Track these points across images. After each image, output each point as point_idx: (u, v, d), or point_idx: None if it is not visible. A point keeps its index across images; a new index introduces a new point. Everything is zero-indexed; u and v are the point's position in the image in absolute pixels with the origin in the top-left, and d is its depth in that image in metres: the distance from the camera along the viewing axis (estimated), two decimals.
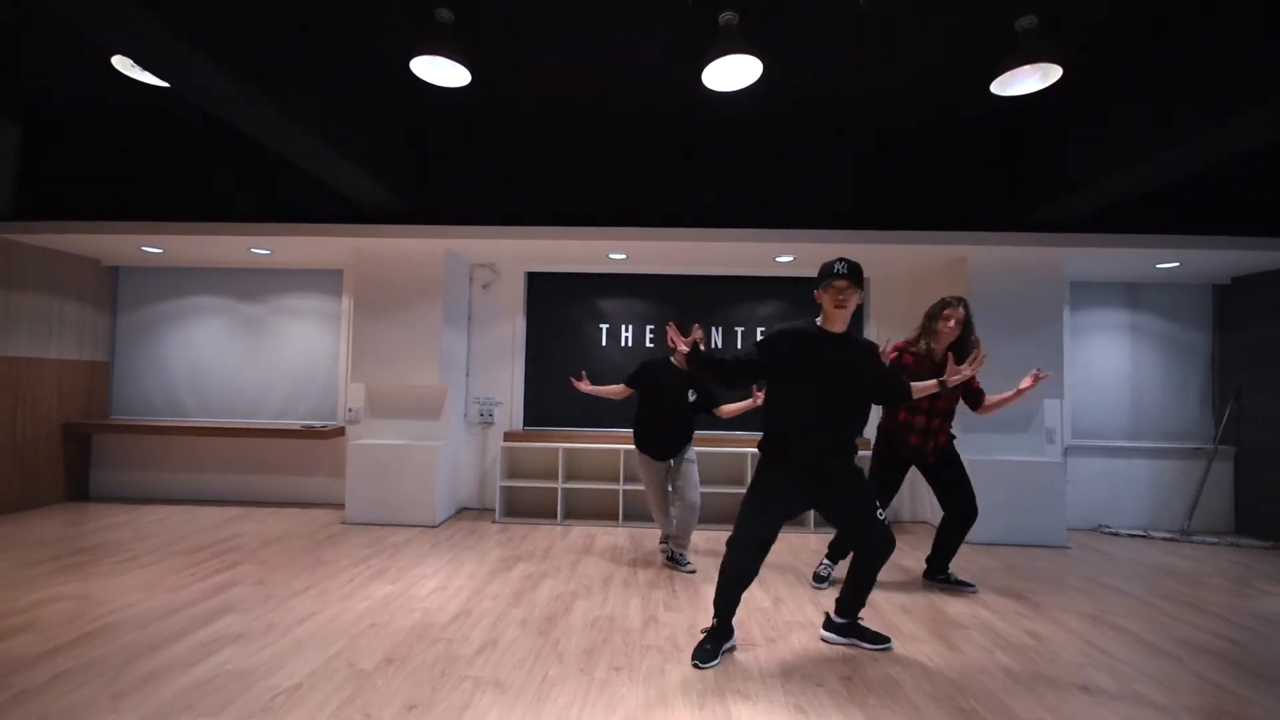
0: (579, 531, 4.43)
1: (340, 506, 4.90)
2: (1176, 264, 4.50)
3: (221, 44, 2.52)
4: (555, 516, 4.68)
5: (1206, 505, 4.88)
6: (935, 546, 3.34)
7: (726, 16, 3.00)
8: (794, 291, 5.10)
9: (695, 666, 2.28)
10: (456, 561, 3.60)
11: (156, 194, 4.36)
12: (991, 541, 4.27)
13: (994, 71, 2.99)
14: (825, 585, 3.26)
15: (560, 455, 4.70)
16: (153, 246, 4.66)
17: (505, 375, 5.15)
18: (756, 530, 2.32)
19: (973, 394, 3.19)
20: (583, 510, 4.92)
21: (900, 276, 5.09)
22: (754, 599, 3.04)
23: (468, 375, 5.13)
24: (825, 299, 2.29)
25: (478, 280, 5.17)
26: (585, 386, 3.51)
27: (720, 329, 5.14)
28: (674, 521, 3.53)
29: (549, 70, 3.59)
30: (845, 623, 2.54)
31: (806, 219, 4.20)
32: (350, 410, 5.07)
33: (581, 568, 3.55)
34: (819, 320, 2.35)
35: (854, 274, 2.25)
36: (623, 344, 5.16)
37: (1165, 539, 4.59)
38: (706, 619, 2.81)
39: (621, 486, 4.64)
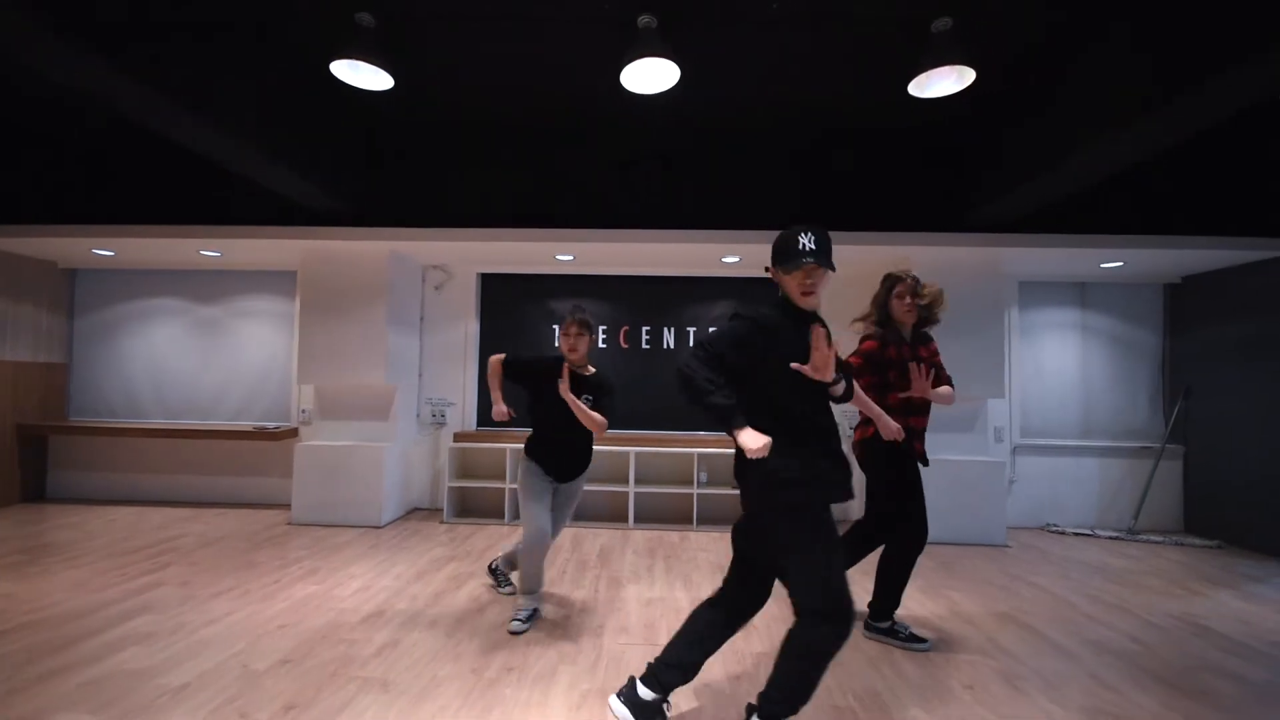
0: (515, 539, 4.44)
1: (289, 508, 4.92)
2: (1120, 264, 4.51)
3: (147, 64, 2.54)
4: (503, 517, 4.70)
5: (1156, 504, 4.89)
6: (877, 585, 2.66)
7: (645, 20, 3.01)
8: (743, 291, 5.12)
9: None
10: (390, 562, 3.62)
11: (106, 197, 4.38)
12: (932, 541, 4.29)
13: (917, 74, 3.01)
14: None
15: (508, 455, 4.72)
16: (103, 249, 4.68)
17: (458, 376, 5.17)
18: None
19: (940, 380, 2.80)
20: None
21: (848, 278, 5.09)
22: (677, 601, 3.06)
23: (420, 376, 5.15)
24: (789, 283, 1.83)
25: (430, 282, 5.19)
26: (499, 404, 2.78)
27: (672, 329, 5.16)
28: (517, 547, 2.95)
29: (478, 74, 3.60)
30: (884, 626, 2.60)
31: (749, 220, 4.21)
32: (303, 411, 5.10)
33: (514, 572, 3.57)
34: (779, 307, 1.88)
35: (822, 250, 1.79)
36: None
37: (1111, 538, 4.61)
38: (620, 621, 2.84)
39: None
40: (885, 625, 2.63)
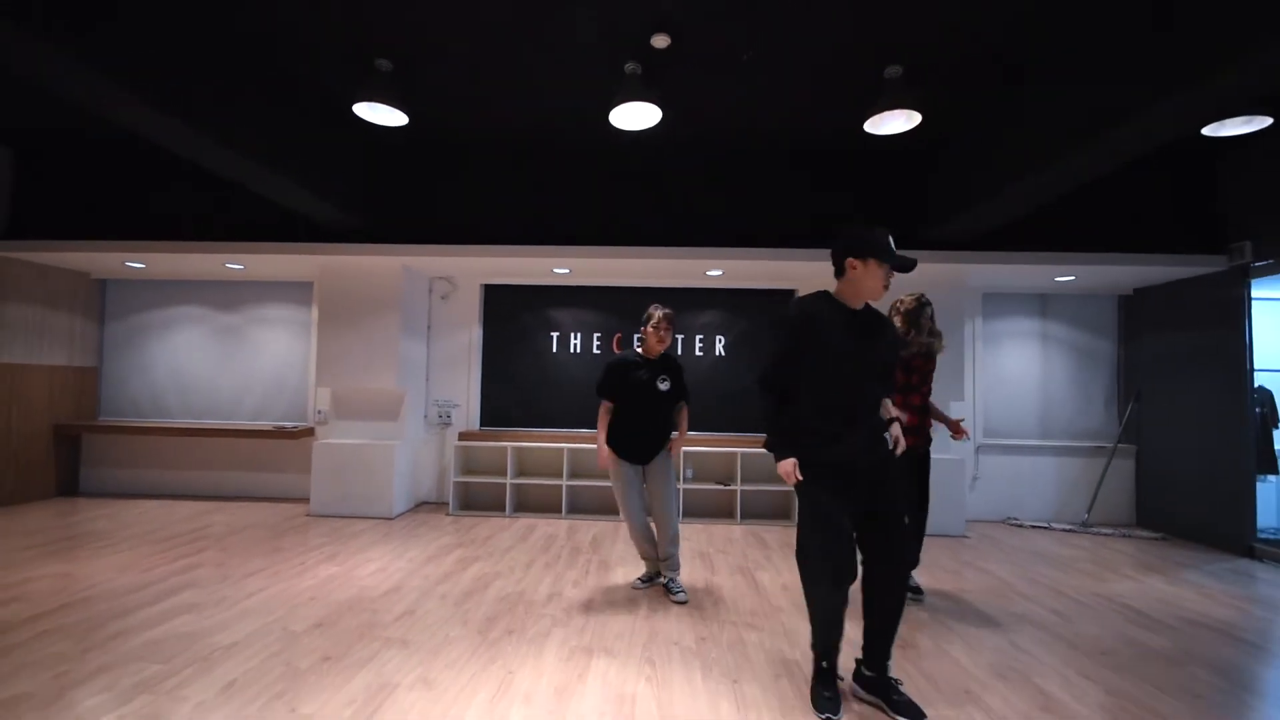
0: (523, 523, 4.84)
1: (307, 501, 5.31)
2: (1072, 277, 4.90)
3: (178, 100, 2.94)
4: (505, 509, 5.09)
5: (1110, 500, 5.28)
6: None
7: (630, 67, 3.41)
8: (727, 301, 5.51)
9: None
10: (402, 549, 4.01)
11: (139, 214, 4.78)
12: None
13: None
14: None
15: (509, 453, 5.12)
16: (136, 262, 5.08)
17: (463, 379, 5.56)
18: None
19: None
20: (530, 504, 5.33)
21: (825, 286, 5.49)
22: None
23: (427, 380, 5.55)
24: (875, 274, 2.04)
25: (437, 292, 5.59)
26: (602, 448, 3.21)
27: None
28: (652, 542, 3.25)
29: (483, 107, 4.01)
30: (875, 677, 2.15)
31: (728, 238, 4.61)
32: (319, 412, 5.49)
33: (514, 554, 3.96)
34: (834, 292, 2.13)
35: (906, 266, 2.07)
36: (572, 350, 5.58)
37: (1065, 530, 4.99)
38: (609, 597, 3.23)
39: (565, 482, 5.05)
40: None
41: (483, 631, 2.69)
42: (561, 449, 5.18)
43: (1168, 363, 5.03)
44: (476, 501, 5.37)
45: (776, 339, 2.15)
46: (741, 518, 5.02)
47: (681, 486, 5.03)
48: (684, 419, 3.34)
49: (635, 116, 3.43)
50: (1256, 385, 4.80)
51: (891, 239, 2.06)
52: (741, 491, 5.01)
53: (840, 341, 2.04)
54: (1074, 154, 3.12)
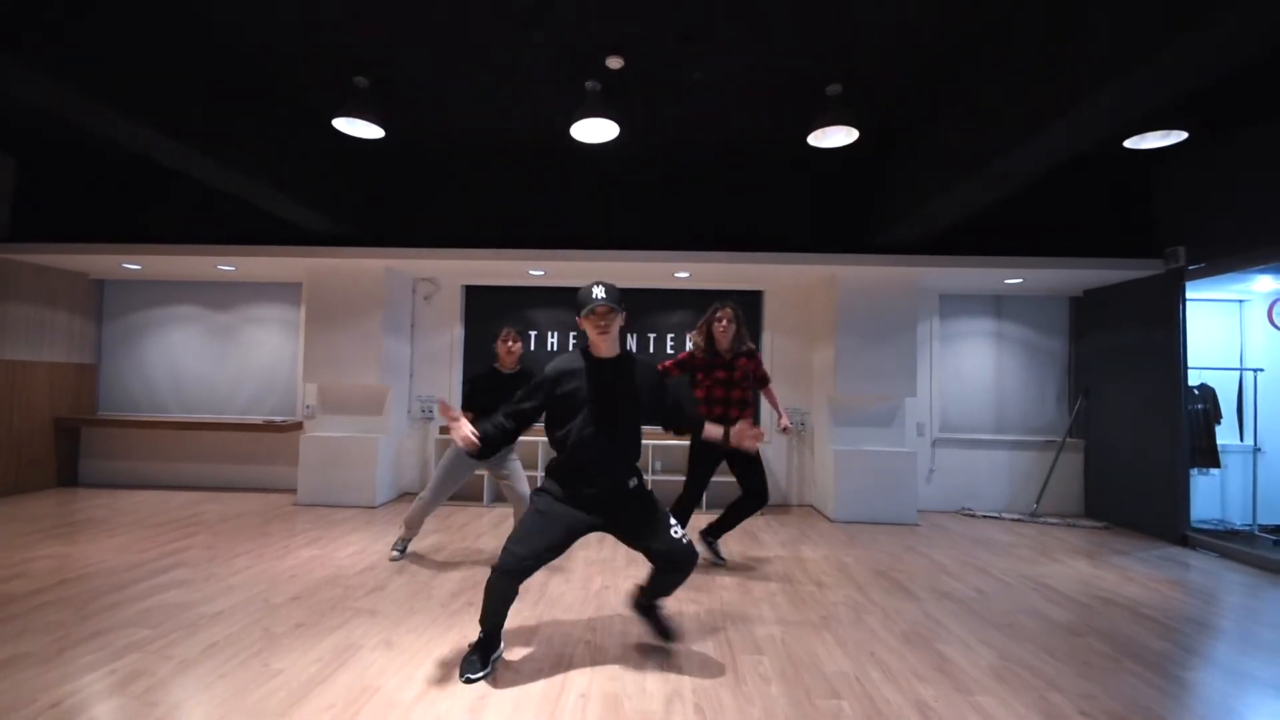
0: (499, 512, 5.11)
1: (295, 491, 5.57)
2: (1020, 280, 5.17)
3: (170, 118, 3.20)
4: (483, 499, 5.36)
5: (1060, 491, 5.55)
6: (722, 515, 3.72)
7: (590, 85, 3.67)
8: (695, 302, 5.77)
9: (468, 681, 2.22)
10: (382, 534, 4.28)
11: (135, 219, 5.04)
12: (852, 520, 4.94)
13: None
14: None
15: None
16: (132, 263, 5.34)
17: (444, 376, 5.83)
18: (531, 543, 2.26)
19: (759, 379, 3.75)
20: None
21: (789, 290, 5.77)
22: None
23: (411, 376, 5.81)
24: (587, 326, 2.28)
25: (420, 293, 5.85)
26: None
27: (634, 335, 5.82)
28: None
29: (459, 119, 4.27)
30: (646, 605, 2.61)
31: (692, 242, 4.87)
32: (307, 407, 5.76)
33: (485, 539, 4.23)
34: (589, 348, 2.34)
35: (612, 297, 2.23)
36: (549, 349, 5.84)
37: (1014, 519, 5.26)
38: (565, 576, 3.49)
39: (539, 474, 5.31)
40: (711, 541, 3.75)
41: (445, 604, 2.96)
42: (537, 443, 5.44)
43: (1113, 361, 5.29)
44: (456, 492, 5.61)
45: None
46: (708, 508, 5.28)
47: (650, 478, 5.30)
48: None
49: (595, 130, 3.69)
50: (1199, 382, 5.07)
51: (594, 289, 2.25)
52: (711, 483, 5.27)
53: (586, 389, 2.27)
54: (996, 164, 3.36)
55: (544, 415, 2.37)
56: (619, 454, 2.35)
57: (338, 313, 5.22)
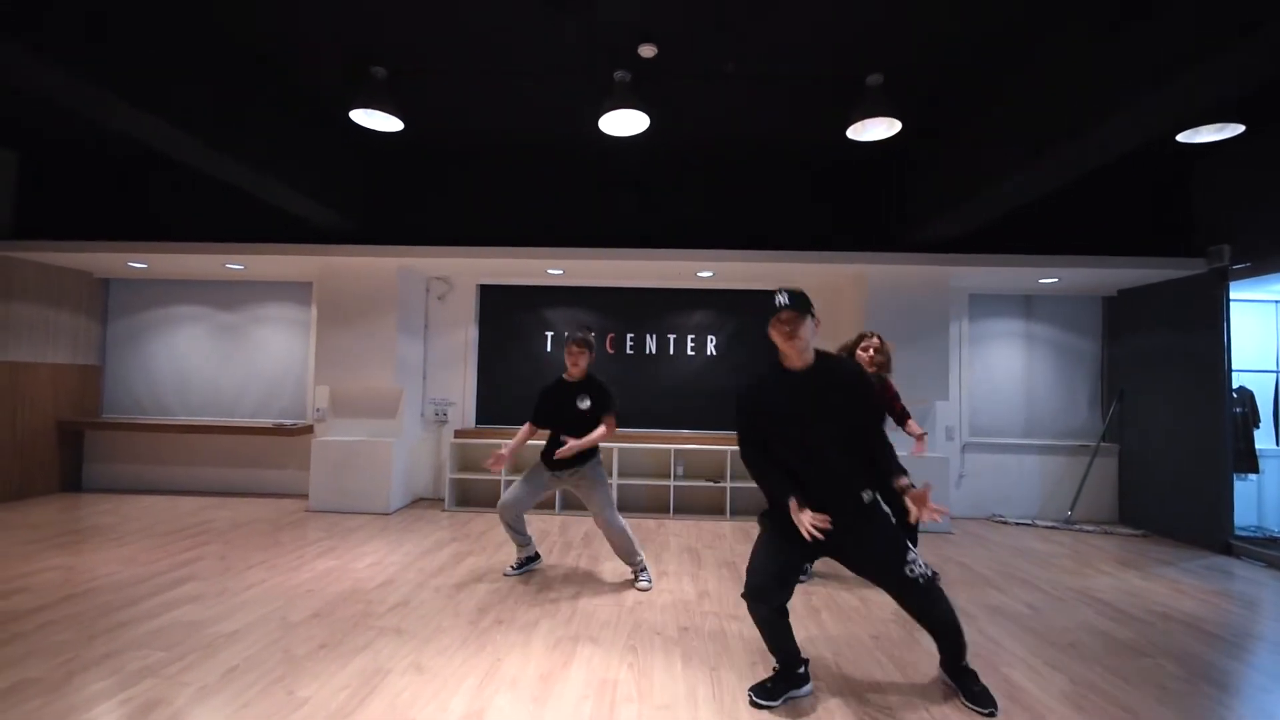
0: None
1: (306, 496, 5.42)
2: (1055, 279, 5.00)
3: (180, 110, 3.04)
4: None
5: (1094, 497, 5.38)
6: None
7: (620, 75, 3.51)
8: (718, 302, 5.61)
9: (753, 704, 2.13)
10: (398, 543, 4.12)
11: (141, 216, 4.88)
12: None
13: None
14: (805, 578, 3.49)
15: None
16: (138, 262, 5.18)
17: (459, 378, 5.66)
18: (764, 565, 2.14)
19: (898, 414, 3.52)
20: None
21: (816, 290, 5.59)
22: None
23: (424, 378, 5.65)
24: (775, 336, 2.10)
25: (434, 292, 5.69)
26: (502, 457, 3.38)
27: (654, 335, 5.65)
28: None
29: (477, 113, 4.11)
30: (951, 669, 2.31)
31: (716, 240, 4.71)
32: (318, 410, 5.59)
33: (506, 549, 4.06)
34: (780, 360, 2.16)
35: (797, 302, 2.06)
36: None
37: (1048, 527, 5.10)
38: (595, 589, 3.33)
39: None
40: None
41: (473, 621, 2.80)
42: None
43: (1149, 363, 5.13)
44: (472, 497, 5.47)
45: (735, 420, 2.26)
46: (731, 514, 5.12)
47: (673, 484, 5.14)
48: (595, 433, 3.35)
49: (625, 123, 3.53)
50: (1237, 385, 4.90)
51: (777, 296, 2.08)
52: (731, 489, 5.12)
53: (780, 404, 2.12)
54: (1046, 158, 3.20)
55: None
56: (832, 471, 2.11)
57: (350, 313, 5.06)
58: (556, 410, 3.42)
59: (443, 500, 5.44)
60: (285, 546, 3.95)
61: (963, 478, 5.43)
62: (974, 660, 2.54)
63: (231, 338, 5.85)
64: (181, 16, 3.04)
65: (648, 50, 3.29)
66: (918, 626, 2.87)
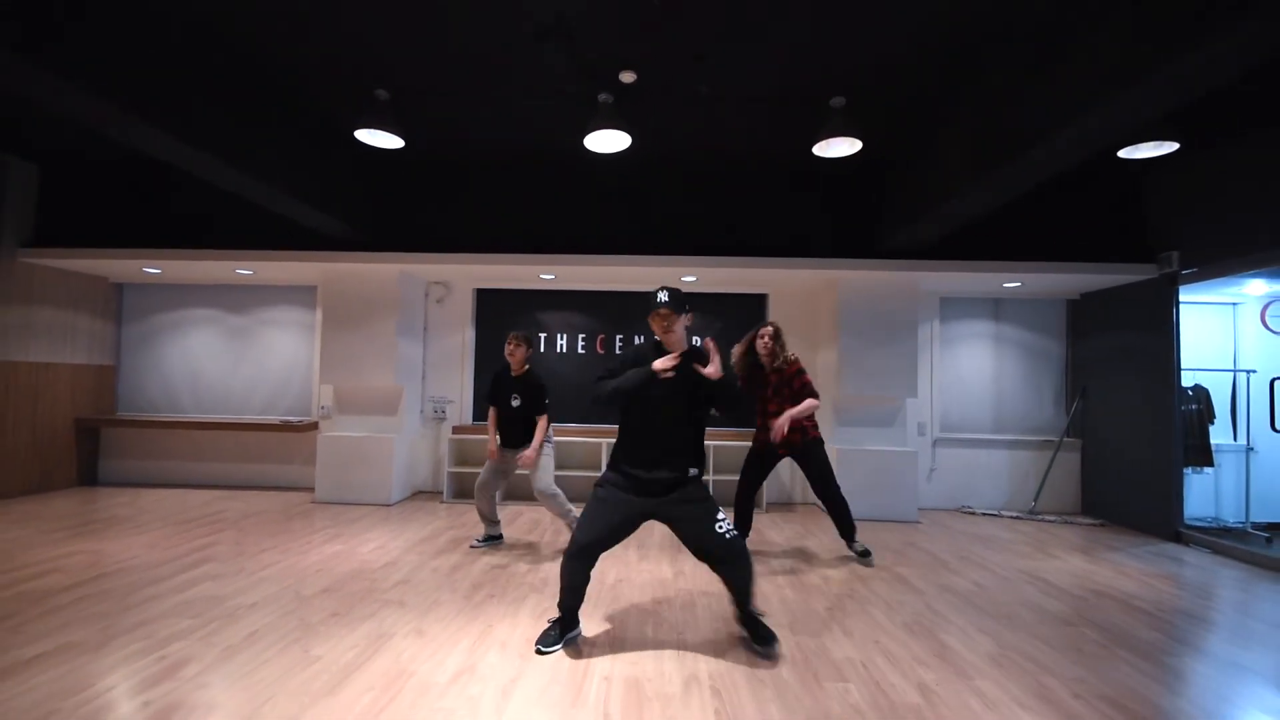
0: (512, 509, 5.25)
1: (312, 490, 5.71)
2: (1019, 284, 5.30)
3: (196, 128, 3.34)
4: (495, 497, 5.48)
5: (1057, 489, 5.69)
6: (836, 523, 3.97)
7: (603, 97, 3.81)
8: (704, 306, 5.91)
9: (539, 653, 2.46)
10: (399, 530, 4.42)
11: (154, 223, 5.18)
12: (855, 518, 5.05)
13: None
14: None
15: None
16: (152, 267, 5.48)
17: (456, 377, 5.96)
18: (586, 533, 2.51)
19: (795, 395, 3.81)
20: (518, 492, 5.73)
21: (793, 293, 5.91)
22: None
23: (424, 378, 5.95)
24: (654, 326, 2.51)
25: (433, 296, 5.99)
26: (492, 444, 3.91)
27: (641, 337, 5.95)
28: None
29: (474, 129, 4.41)
30: (742, 614, 2.62)
31: (699, 248, 5.01)
32: (323, 407, 5.89)
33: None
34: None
35: (674, 301, 2.45)
36: (559, 351, 5.98)
37: (1013, 517, 5.40)
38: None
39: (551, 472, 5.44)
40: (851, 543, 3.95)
41: (468, 596, 3.10)
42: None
43: (1109, 363, 5.43)
44: (469, 490, 5.75)
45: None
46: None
47: None
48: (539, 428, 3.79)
49: (608, 141, 3.82)
50: (1194, 383, 5.21)
51: (658, 293, 2.49)
52: (713, 481, 5.41)
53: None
54: (992, 174, 3.49)
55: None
56: (673, 441, 2.51)
57: (353, 316, 5.35)
58: (498, 398, 3.92)
59: (441, 492, 5.74)
60: (295, 533, 4.25)
61: (934, 471, 5.73)
62: (916, 628, 2.85)
63: (241, 339, 6.15)
64: (198, 41, 3.33)
65: (628, 76, 3.59)
66: (870, 600, 3.18)
